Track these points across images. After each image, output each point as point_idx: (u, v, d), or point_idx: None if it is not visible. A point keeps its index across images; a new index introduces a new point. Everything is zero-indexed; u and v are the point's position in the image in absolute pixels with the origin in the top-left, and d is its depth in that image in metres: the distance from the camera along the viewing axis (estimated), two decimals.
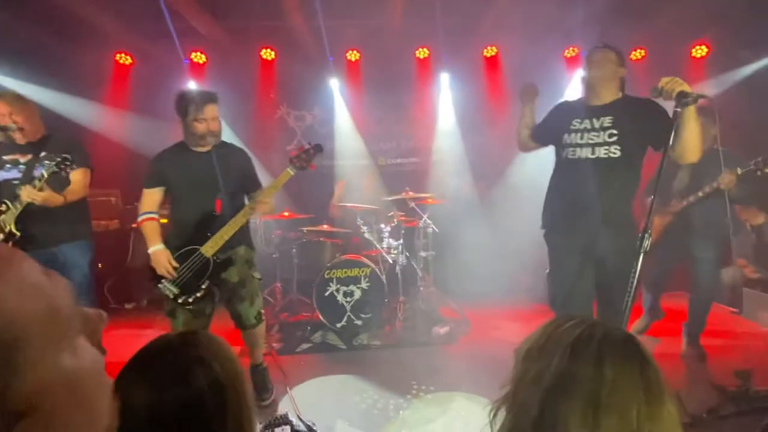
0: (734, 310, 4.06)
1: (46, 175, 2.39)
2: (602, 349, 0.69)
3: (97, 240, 4.61)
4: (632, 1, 4.37)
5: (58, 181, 2.53)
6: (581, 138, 2.17)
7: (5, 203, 2.43)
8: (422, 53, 5.37)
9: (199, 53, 5.18)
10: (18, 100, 2.60)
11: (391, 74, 5.46)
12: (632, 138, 2.08)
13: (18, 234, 2.42)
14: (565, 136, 2.24)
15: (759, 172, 2.69)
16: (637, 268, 1.54)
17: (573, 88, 5.42)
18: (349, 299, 3.72)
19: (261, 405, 2.59)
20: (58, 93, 4.69)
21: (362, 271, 3.74)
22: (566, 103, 2.48)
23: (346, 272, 3.73)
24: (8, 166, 2.55)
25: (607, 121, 2.13)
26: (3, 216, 2.43)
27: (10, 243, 2.36)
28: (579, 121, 2.20)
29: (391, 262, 4.05)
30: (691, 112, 1.84)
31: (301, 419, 2.38)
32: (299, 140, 5.86)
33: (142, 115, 5.08)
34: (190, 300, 2.33)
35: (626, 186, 2.16)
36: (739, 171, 2.72)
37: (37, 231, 2.48)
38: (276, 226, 4.60)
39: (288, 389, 2.78)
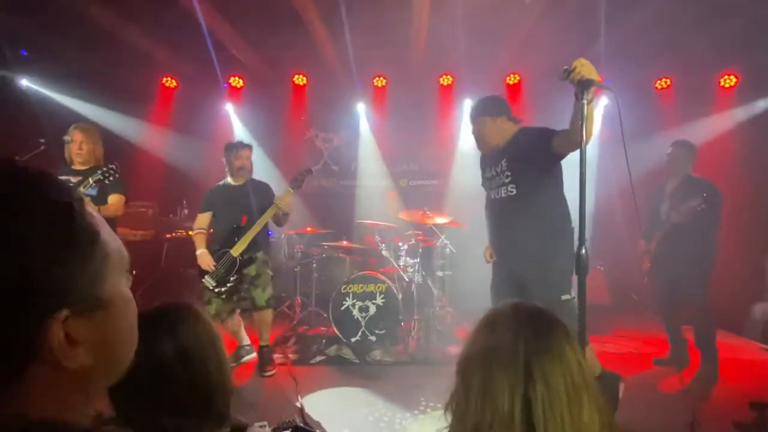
0: (765, 346, 3.87)
1: (82, 190, 2.74)
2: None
3: (132, 248, 4.93)
4: (657, 29, 4.38)
5: (99, 199, 2.91)
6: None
7: None
8: (446, 80, 5.56)
9: (237, 78, 5.58)
10: (92, 134, 3.04)
11: (416, 100, 5.67)
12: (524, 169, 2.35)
13: None
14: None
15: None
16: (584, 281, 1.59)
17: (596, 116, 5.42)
18: (364, 314, 3.79)
19: (264, 375, 3.26)
20: (111, 111, 5.17)
21: (378, 288, 3.81)
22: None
23: (362, 288, 3.82)
24: None
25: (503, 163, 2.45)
26: None
27: None
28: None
29: (407, 280, 4.11)
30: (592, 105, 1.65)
31: (307, 426, 2.47)
32: (326, 161, 6.11)
33: (181, 133, 5.49)
34: (223, 290, 3.14)
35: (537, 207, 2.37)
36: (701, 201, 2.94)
37: None
38: (299, 241, 4.78)
39: (298, 397, 2.88)
